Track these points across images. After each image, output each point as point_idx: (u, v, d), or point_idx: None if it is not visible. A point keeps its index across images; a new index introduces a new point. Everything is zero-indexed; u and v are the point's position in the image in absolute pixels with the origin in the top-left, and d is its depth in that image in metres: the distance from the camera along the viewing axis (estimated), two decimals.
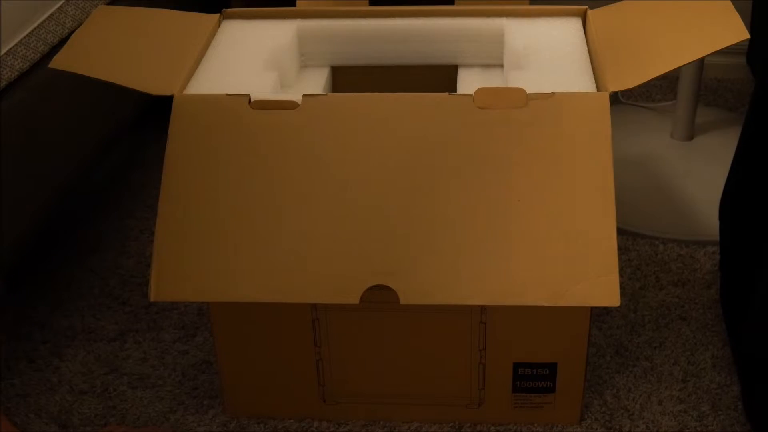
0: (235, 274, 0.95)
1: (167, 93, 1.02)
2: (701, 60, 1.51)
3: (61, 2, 1.21)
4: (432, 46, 1.18)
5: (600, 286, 0.92)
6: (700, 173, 1.52)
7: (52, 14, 1.19)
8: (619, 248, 1.32)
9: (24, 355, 1.23)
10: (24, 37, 1.14)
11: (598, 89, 1.02)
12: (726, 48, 0.99)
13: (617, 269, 0.92)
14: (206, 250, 0.96)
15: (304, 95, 1.00)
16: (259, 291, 0.95)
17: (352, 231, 0.95)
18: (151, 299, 0.95)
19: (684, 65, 1.11)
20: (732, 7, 1.04)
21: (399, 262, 0.94)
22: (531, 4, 1.19)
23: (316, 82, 1.18)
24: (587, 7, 1.16)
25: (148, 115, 1.52)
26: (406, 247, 0.94)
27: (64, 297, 1.33)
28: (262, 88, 1.06)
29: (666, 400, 1.13)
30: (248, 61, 1.11)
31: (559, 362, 1.06)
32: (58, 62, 1.06)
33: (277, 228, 0.96)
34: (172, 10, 1.18)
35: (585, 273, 0.93)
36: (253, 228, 0.96)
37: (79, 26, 1.14)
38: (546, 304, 0.93)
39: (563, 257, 0.93)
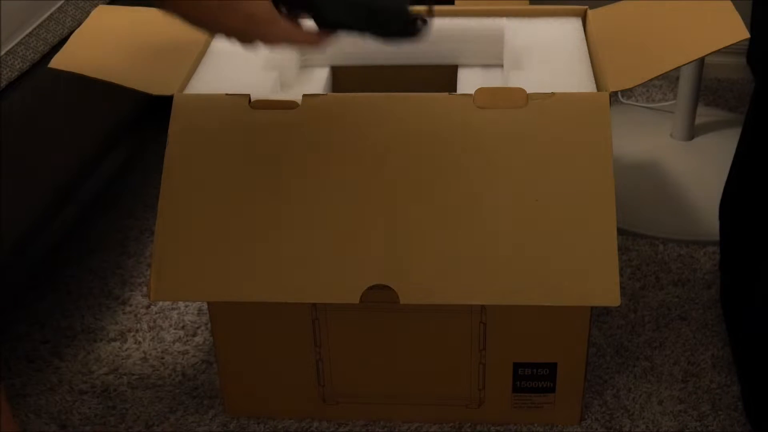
0: (235, 274, 0.95)
1: (167, 93, 1.02)
2: (701, 60, 1.51)
3: (61, 2, 1.21)
4: (432, 46, 1.18)
5: (600, 286, 0.92)
6: (700, 173, 1.51)
7: (51, 14, 1.19)
8: (619, 248, 1.32)
9: (24, 355, 1.23)
10: (24, 37, 1.14)
11: (598, 89, 1.02)
12: (726, 48, 0.99)
13: (617, 269, 0.92)
14: (206, 250, 0.96)
15: (304, 95, 1.00)
16: (259, 291, 0.95)
17: (352, 230, 0.95)
18: (151, 299, 0.95)
19: (684, 65, 1.11)
20: (732, 7, 1.04)
21: (399, 262, 0.94)
22: (531, 4, 1.19)
23: (316, 82, 1.18)
24: (587, 7, 1.16)
25: (148, 115, 1.52)
26: (406, 247, 0.94)
27: (64, 297, 1.32)
28: (262, 88, 1.06)
29: (666, 400, 1.13)
30: (248, 61, 1.11)
31: (559, 362, 1.06)
32: (58, 62, 1.06)
33: (277, 228, 0.96)
34: None
35: (585, 273, 0.93)
36: (253, 228, 0.96)
37: (78, 26, 1.14)
38: (546, 304, 0.93)
39: (563, 257, 0.93)
